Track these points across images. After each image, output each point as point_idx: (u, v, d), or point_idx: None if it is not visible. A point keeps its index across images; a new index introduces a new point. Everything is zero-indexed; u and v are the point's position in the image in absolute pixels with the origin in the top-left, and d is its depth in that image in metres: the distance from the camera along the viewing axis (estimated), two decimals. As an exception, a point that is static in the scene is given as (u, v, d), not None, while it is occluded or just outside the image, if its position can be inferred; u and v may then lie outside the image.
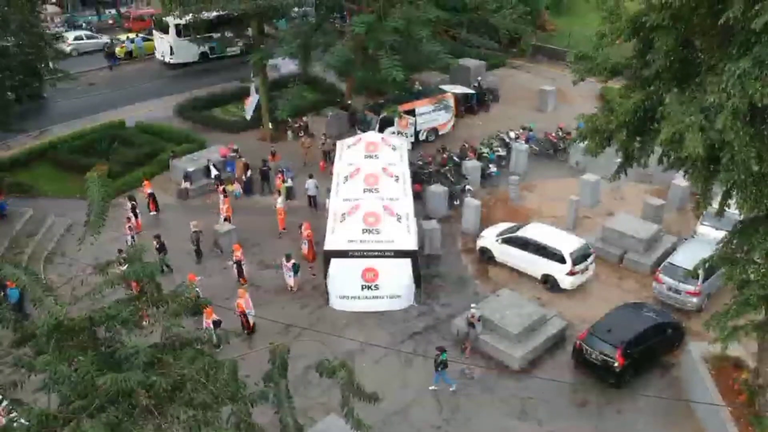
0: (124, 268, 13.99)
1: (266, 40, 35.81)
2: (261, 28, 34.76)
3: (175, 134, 35.72)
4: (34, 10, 32.47)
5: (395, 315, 23.31)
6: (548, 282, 24.48)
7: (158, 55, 47.10)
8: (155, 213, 29.30)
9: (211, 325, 20.72)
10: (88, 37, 50.28)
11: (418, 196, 29.03)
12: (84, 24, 54.41)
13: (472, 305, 21.62)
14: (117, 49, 47.88)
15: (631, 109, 14.72)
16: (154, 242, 25.12)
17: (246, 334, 22.39)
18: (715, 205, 16.29)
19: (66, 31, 51.70)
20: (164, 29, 45.05)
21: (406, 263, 23.09)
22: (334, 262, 23.05)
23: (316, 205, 29.79)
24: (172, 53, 45.69)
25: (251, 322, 22.56)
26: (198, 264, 26.25)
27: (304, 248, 26.10)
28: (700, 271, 22.48)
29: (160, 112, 39.32)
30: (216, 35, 41.61)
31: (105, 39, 50.01)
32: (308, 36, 32.83)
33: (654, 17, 13.36)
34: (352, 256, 22.88)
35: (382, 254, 22.86)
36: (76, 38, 49.64)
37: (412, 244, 23.19)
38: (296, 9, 33.56)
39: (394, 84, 31.00)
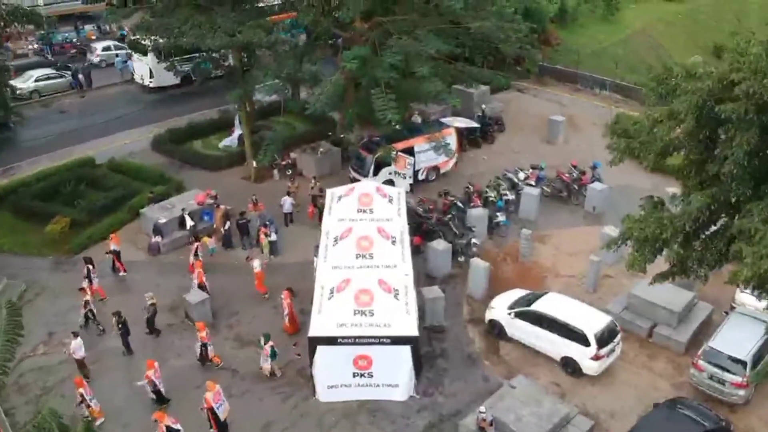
0: None
1: (249, 69, 32.53)
2: (242, 59, 31.35)
3: (149, 174, 32.29)
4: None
5: (392, 409, 19.97)
6: (569, 365, 21.21)
7: (137, 78, 43.70)
8: (124, 273, 25.90)
9: None
10: (117, 48, 47.77)
11: (417, 250, 25.82)
12: (60, 41, 50.82)
13: (481, 410, 18.24)
14: None
15: (692, 215, 11.45)
16: (114, 320, 21.89)
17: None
18: None
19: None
20: (143, 51, 41.60)
21: (405, 351, 19.79)
22: (320, 349, 19.75)
23: (291, 221, 29.18)
24: (151, 76, 42.31)
25: (222, 417, 19.18)
26: (156, 338, 22.97)
27: (286, 321, 22.84)
28: (748, 359, 19.50)
29: (136, 145, 36.03)
30: (197, 57, 38.12)
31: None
32: (294, 68, 29.57)
33: (732, 107, 10.05)
34: (342, 343, 19.58)
35: (378, 341, 19.56)
36: (105, 48, 47.81)
37: (411, 328, 19.86)
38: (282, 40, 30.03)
39: (389, 124, 27.64)
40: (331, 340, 19.57)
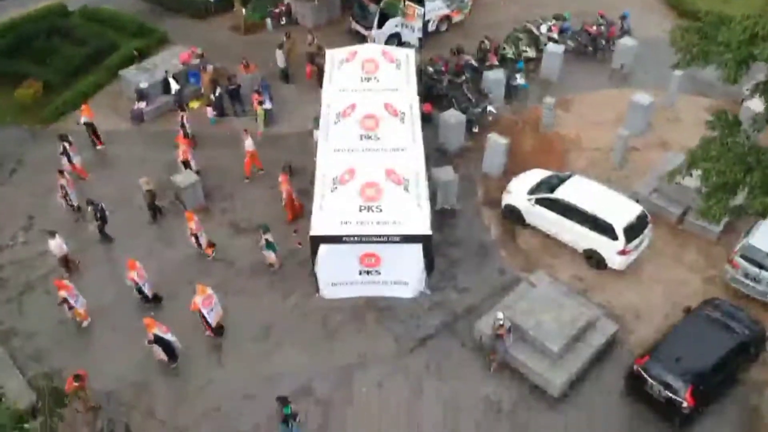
0: None
1: None
2: None
3: (126, 23, 28.82)
4: None
5: (401, 308, 18.54)
6: (592, 258, 19.58)
7: None
8: (101, 146, 23.60)
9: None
10: None
11: (427, 118, 23.39)
12: None
13: (498, 316, 16.73)
14: None
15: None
16: (90, 209, 19.96)
17: (213, 337, 17.87)
18: None
19: None
20: None
21: (416, 249, 18.01)
22: (323, 247, 17.97)
23: (289, 79, 26.64)
24: None
25: (213, 323, 17.78)
26: (153, 224, 21.15)
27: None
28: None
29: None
30: None
31: None
32: None
33: None
34: (347, 242, 17.77)
35: (386, 239, 17.73)
36: None
37: (424, 226, 17.88)
38: None
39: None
40: (336, 239, 17.74)
